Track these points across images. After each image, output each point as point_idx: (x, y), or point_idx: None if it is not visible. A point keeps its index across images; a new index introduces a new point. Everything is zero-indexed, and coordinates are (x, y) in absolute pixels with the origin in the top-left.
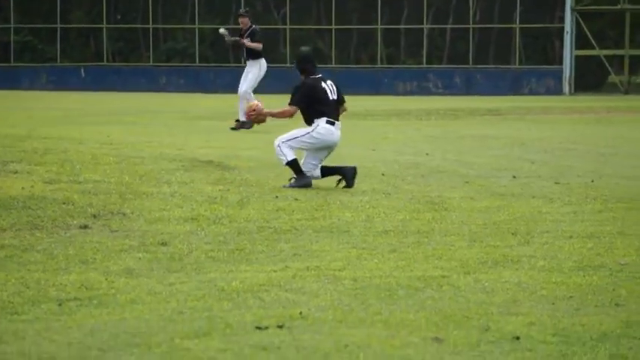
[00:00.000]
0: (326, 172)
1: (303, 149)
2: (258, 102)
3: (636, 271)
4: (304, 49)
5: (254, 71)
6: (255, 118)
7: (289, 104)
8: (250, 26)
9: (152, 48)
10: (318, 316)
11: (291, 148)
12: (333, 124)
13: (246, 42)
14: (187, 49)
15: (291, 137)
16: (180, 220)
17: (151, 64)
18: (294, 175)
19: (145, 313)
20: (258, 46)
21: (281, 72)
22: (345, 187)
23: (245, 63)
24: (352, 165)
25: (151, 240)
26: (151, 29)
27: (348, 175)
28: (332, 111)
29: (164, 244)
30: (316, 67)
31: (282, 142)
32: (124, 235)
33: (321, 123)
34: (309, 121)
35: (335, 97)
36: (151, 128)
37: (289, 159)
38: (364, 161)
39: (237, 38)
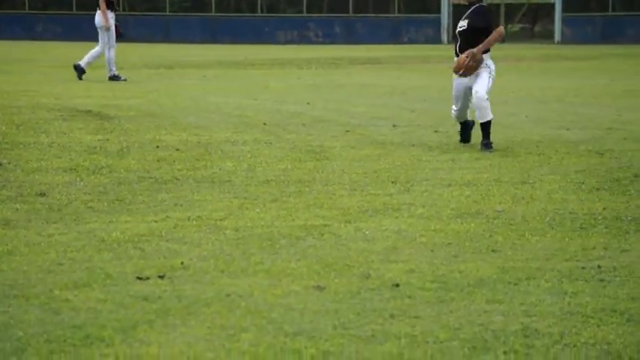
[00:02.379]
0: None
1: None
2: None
3: (512, 218)
4: None
5: None
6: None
7: (497, 25)
8: None
9: None
10: (200, 265)
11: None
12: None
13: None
14: None
15: (489, 83)
16: (59, 171)
17: (27, 11)
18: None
19: (22, 265)
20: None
21: (158, 20)
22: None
23: (115, 14)
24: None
25: (28, 190)
26: None
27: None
28: None
29: (42, 194)
30: None
31: (488, 94)
32: (1, 186)
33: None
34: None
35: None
36: (27, 77)
37: (491, 117)
38: (246, 111)
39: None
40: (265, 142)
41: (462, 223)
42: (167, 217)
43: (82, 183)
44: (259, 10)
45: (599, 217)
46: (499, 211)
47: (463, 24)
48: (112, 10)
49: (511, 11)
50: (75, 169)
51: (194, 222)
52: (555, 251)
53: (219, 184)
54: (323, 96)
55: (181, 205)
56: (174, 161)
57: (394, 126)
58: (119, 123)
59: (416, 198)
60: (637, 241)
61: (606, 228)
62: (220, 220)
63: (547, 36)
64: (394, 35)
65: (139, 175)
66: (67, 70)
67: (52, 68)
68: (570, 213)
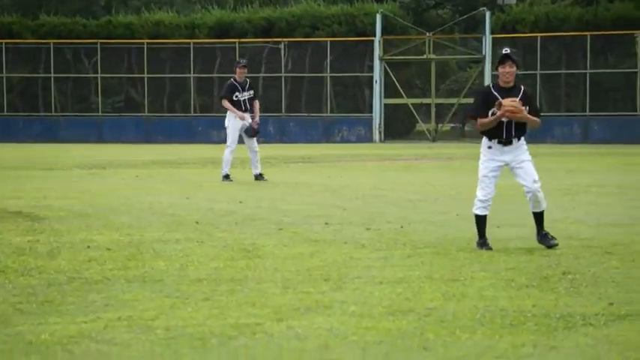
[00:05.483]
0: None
1: None
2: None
3: (443, 315)
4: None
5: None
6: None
7: (539, 114)
8: (247, 79)
9: None
10: None
11: None
12: None
13: (257, 117)
14: None
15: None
16: None
17: None
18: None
19: None
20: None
21: (91, 121)
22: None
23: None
24: None
25: None
26: None
27: None
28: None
29: None
30: None
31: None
32: None
33: None
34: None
35: None
36: None
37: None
38: (178, 210)
39: (255, 123)
40: (197, 241)
41: (393, 321)
42: (97, 317)
43: (10, 285)
44: (192, 110)
45: (529, 315)
46: (430, 308)
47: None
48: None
49: (441, 111)
50: (3, 271)
51: (125, 322)
52: (486, 349)
53: (151, 283)
54: (256, 194)
55: (112, 306)
56: (105, 261)
57: (326, 224)
58: (49, 224)
59: (348, 296)
60: (566, 339)
61: (536, 325)
62: (151, 319)
63: (477, 136)
64: (327, 134)
65: (69, 275)
66: None
67: None
68: (500, 310)
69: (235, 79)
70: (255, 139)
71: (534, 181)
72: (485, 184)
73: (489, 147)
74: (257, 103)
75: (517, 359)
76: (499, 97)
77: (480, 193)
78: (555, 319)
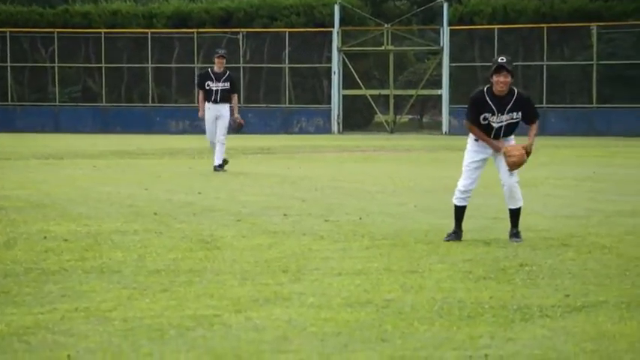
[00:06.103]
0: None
1: None
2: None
3: (401, 307)
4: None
5: (226, 115)
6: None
7: (536, 116)
8: (226, 70)
9: None
10: (87, 358)
11: None
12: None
13: (237, 115)
14: None
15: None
16: None
17: None
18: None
19: None
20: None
21: (48, 110)
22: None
23: (212, 105)
24: None
25: None
26: None
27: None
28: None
29: None
30: None
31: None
32: None
33: None
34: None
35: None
36: None
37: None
38: (137, 200)
39: (237, 118)
40: (156, 232)
41: (352, 312)
42: (54, 308)
43: None
44: (150, 100)
45: (486, 306)
46: (388, 300)
47: (506, 118)
48: (209, 101)
49: (399, 102)
50: None
51: (82, 313)
52: (443, 340)
53: (109, 274)
54: (214, 185)
55: (69, 297)
56: (62, 252)
57: (285, 215)
58: (6, 214)
59: (306, 287)
60: (522, 330)
61: (493, 317)
62: (109, 310)
63: (435, 127)
64: (285, 125)
65: (26, 266)
66: None
67: None
68: (458, 302)
69: (212, 69)
70: (224, 131)
71: (510, 175)
72: (467, 174)
73: (476, 139)
74: (235, 97)
75: (474, 350)
76: (493, 107)
77: (459, 183)
78: (512, 310)
